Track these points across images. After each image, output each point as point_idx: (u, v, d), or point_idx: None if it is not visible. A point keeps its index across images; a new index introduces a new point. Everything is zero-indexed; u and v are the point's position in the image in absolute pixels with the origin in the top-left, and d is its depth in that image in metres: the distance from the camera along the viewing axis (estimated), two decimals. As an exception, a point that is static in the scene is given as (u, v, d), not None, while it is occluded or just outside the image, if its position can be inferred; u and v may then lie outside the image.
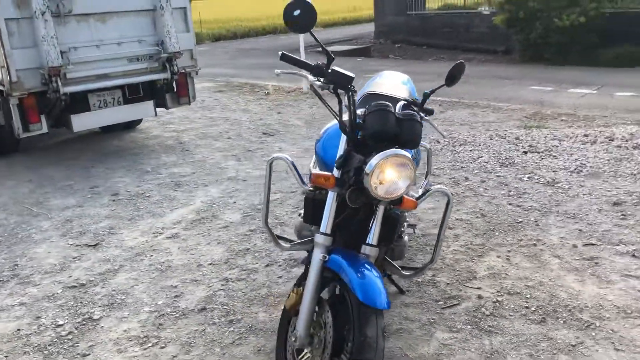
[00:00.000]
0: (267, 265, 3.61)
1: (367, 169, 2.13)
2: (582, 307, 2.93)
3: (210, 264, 3.68)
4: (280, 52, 2.43)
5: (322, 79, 2.35)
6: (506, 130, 6.43)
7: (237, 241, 3.99)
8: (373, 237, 2.32)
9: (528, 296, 3.06)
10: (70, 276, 3.62)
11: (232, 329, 2.97)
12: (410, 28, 15.64)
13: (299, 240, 2.85)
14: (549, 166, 5.10)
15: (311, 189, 2.57)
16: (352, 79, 2.34)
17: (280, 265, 3.60)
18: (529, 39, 12.41)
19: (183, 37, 6.23)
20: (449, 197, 2.54)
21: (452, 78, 2.60)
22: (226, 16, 21.96)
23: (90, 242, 4.11)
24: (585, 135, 6.01)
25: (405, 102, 2.56)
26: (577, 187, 4.55)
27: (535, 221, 3.96)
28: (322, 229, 2.28)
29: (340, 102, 2.36)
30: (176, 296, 3.32)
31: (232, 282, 3.44)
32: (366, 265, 2.20)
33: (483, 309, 2.99)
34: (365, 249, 2.30)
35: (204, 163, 5.86)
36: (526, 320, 2.86)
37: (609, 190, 4.42)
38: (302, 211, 2.89)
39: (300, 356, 2.29)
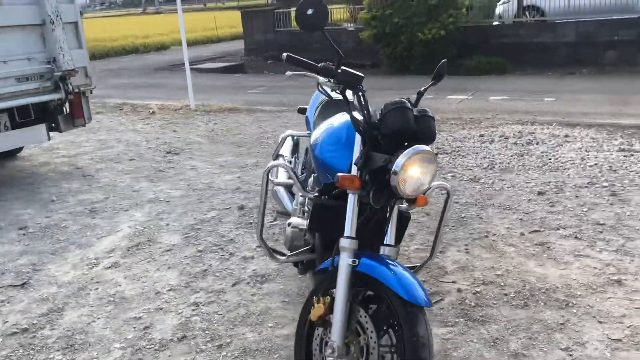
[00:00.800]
0: (233, 285, 3.43)
1: (395, 167, 2.10)
2: (554, 288, 3.14)
3: (170, 290, 3.42)
4: (284, 55, 2.36)
5: (331, 80, 2.30)
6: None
7: (189, 263, 3.74)
8: (390, 237, 2.30)
9: (502, 284, 3.22)
10: (6, 322, 3.16)
11: (224, 353, 2.78)
12: (280, 44, 15.82)
13: (295, 252, 2.75)
14: (464, 165, 5.42)
15: (316, 194, 2.49)
16: (362, 78, 2.31)
17: (248, 283, 3.44)
18: (395, 53, 13.13)
19: (76, 54, 5.75)
20: (449, 192, 2.59)
21: (439, 76, 2.66)
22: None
23: (15, 282, 3.62)
24: (481, 136, 6.47)
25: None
26: (498, 181, 4.89)
27: (478, 215, 4.19)
28: (347, 232, 2.20)
29: (348, 103, 2.32)
30: (145, 328, 3.03)
31: (203, 305, 3.21)
32: (398, 266, 2.17)
33: (467, 301, 3.09)
34: (384, 250, 2.27)
35: (114, 187, 5.43)
36: (511, 307, 3.00)
37: (527, 182, 4.81)
38: (292, 220, 2.80)
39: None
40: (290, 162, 3.58)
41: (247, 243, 3.98)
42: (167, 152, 6.60)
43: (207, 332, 2.96)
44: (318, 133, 2.61)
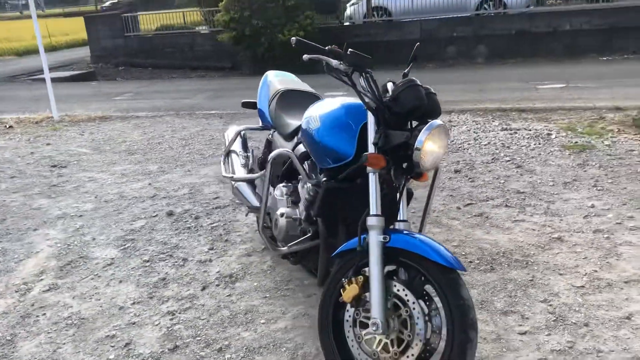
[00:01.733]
0: (203, 289, 3.27)
1: (418, 143, 2.19)
2: (510, 251, 3.43)
3: (134, 303, 3.17)
4: (293, 39, 2.35)
5: (341, 62, 2.33)
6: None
7: (141, 275, 3.49)
8: (403, 212, 2.39)
9: (463, 253, 3.45)
10: (-51, 367, 2.73)
11: (228, 356, 2.66)
12: (130, 50, 15.09)
13: (296, 241, 2.71)
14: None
15: (325, 179, 2.49)
16: (369, 60, 2.36)
17: (218, 285, 3.30)
18: (257, 54, 13.21)
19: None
20: (437, 166, 2.72)
21: (414, 57, 2.74)
22: None
23: (-63, 323, 3.12)
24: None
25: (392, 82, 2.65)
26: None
27: (411, 196, 4.41)
28: (373, 211, 2.24)
29: (354, 85, 2.36)
30: (126, 344, 2.80)
31: (180, 313, 3.04)
32: (425, 237, 2.26)
33: (439, 272, 3.26)
34: (400, 225, 2.35)
35: (7, 208, 4.85)
36: (480, 272, 3.23)
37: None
38: (284, 210, 2.76)
39: (376, 346, 2.22)
40: (247, 157, 3.51)
41: (196, 247, 3.81)
42: (53, 166, 6.02)
43: (198, 338, 2.81)
44: (312, 119, 2.59)
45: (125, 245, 3.93)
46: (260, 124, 3.58)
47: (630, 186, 4.20)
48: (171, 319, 2.98)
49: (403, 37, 13.38)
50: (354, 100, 2.59)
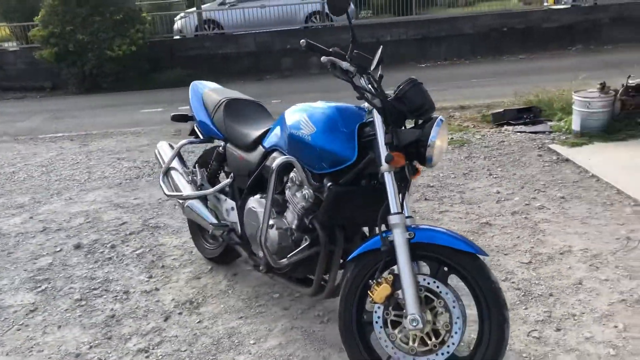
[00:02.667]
0: (166, 319, 3.00)
1: (432, 139, 2.28)
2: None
3: (92, 347, 2.80)
4: (303, 41, 2.31)
5: (347, 62, 2.34)
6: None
7: (82, 315, 3.09)
8: (407, 208, 2.44)
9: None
10: None
11: None
12: None
13: (296, 251, 2.60)
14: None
15: (330, 184, 2.44)
16: (371, 60, 2.39)
17: (181, 314, 3.05)
18: (84, 71, 12.29)
19: None
20: None
21: (381, 60, 2.79)
22: None
23: None
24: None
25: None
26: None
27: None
28: (394, 209, 2.27)
29: (357, 88, 2.38)
30: (109, 394, 2.46)
31: (154, 348, 2.75)
32: (442, 229, 2.36)
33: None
34: (407, 221, 2.39)
35: None
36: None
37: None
38: (272, 222, 2.66)
39: (413, 342, 2.25)
40: (194, 172, 3.29)
41: (132, 277, 3.46)
42: None
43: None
44: (303, 124, 2.52)
45: (40, 286, 3.43)
46: (200, 137, 3.38)
47: (518, 172, 4.73)
48: (147, 357, 2.69)
49: (239, 50, 13.43)
50: (336, 103, 2.60)
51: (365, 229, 2.77)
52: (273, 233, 2.66)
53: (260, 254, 2.84)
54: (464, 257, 2.23)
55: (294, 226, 2.63)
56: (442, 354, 2.22)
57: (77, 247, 3.94)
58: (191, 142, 3.39)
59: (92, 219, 4.44)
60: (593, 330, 2.64)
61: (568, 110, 5.98)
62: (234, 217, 3.07)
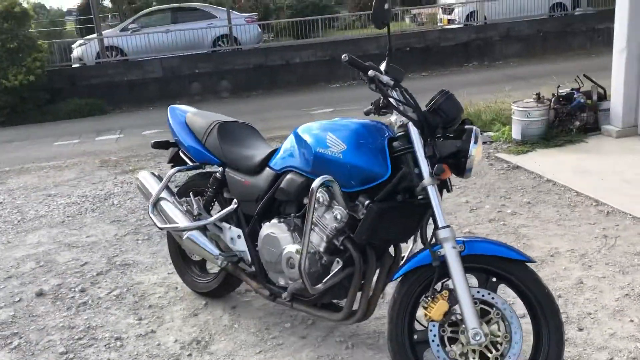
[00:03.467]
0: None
1: (472, 150, 2.28)
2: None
3: (102, 403, 2.50)
4: (345, 56, 2.25)
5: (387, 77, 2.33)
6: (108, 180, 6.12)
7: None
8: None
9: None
10: None
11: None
12: None
13: (331, 275, 2.47)
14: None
15: (369, 202, 2.34)
16: (404, 73, 2.38)
17: (190, 355, 2.81)
18: (-25, 104, 11.30)
19: None
20: None
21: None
22: None
23: None
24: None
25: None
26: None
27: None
28: (442, 223, 2.24)
29: (389, 105, 2.35)
30: None
31: (176, 397, 2.51)
32: (487, 239, 2.36)
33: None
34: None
35: None
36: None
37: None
38: (299, 247, 2.52)
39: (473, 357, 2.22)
40: (187, 202, 3.09)
41: (119, 322, 3.16)
42: None
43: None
44: (331, 142, 2.43)
45: (10, 342, 3.03)
46: (188, 163, 3.18)
47: (478, 181, 4.88)
48: (171, 407, 2.44)
49: (145, 76, 12.94)
50: (358, 119, 2.56)
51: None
52: (304, 263, 2.52)
53: (282, 282, 2.71)
54: (513, 265, 2.25)
55: (321, 249, 2.51)
56: (509, 363, 2.19)
57: (40, 294, 3.54)
58: (180, 170, 3.18)
59: (46, 262, 4.02)
60: (613, 327, 2.74)
61: (501, 120, 6.31)
62: (241, 245, 2.89)
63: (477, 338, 2.16)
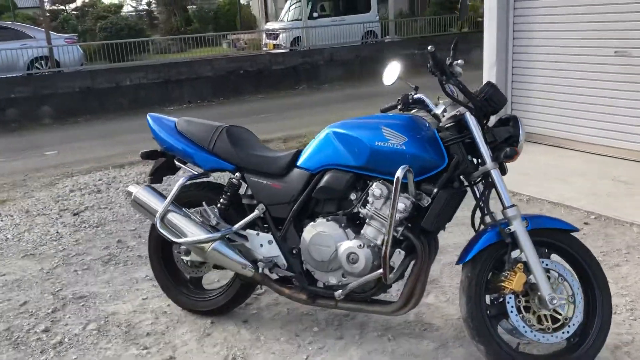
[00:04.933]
0: (224, 383, 2.54)
1: (522, 136, 2.52)
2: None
3: None
4: (431, 47, 2.37)
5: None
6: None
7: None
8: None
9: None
10: None
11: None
12: None
13: (400, 264, 2.50)
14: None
15: (437, 190, 2.45)
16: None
17: (234, 372, 2.61)
18: None
19: None
20: None
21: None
22: None
23: None
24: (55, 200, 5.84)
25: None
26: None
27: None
28: (508, 202, 2.43)
29: (456, 101, 2.50)
30: None
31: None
32: (539, 214, 2.58)
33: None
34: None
35: None
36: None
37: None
38: (359, 242, 2.54)
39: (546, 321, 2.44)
40: (203, 212, 2.89)
41: (122, 355, 2.80)
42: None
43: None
44: (390, 136, 2.48)
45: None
46: (193, 172, 2.97)
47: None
48: None
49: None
50: (393, 113, 2.68)
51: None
52: (365, 252, 2.53)
53: (332, 280, 2.67)
54: (565, 236, 2.52)
55: (378, 242, 2.55)
56: (573, 324, 2.44)
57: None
58: (191, 179, 2.94)
59: (28, 301, 3.38)
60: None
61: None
62: (272, 250, 2.78)
63: (554, 302, 2.38)
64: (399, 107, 2.75)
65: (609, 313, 2.50)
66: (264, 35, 17.10)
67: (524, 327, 2.43)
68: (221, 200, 2.91)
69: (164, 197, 2.97)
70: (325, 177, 2.65)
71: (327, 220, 2.64)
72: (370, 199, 2.55)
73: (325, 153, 2.67)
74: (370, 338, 2.83)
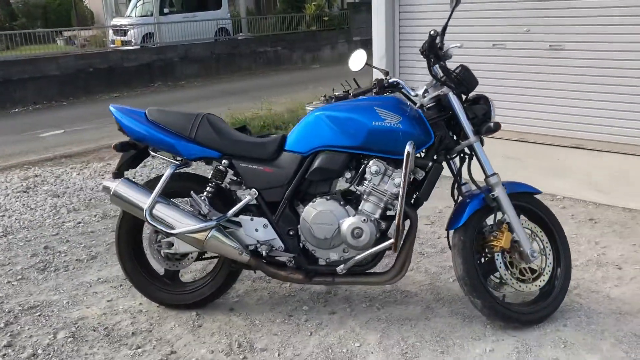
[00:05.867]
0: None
1: (494, 112, 2.82)
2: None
3: None
4: (433, 31, 2.55)
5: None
6: None
7: (131, 412, 2.28)
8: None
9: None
10: None
11: None
12: None
13: (400, 236, 2.66)
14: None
15: (432, 162, 2.69)
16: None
17: (244, 358, 2.61)
18: None
19: None
20: None
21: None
22: None
23: None
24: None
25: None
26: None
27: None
28: (490, 171, 2.73)
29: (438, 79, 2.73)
30: None
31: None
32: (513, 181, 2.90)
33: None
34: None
35: None
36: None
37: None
38: (362, 217, 2.69)
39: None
40: (193, 202, 2.83)
41: (115, 357, 2.64)
42: None
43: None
44: (385, 116, 2.63)
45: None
46: (177, 159, 2.88)
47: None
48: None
49: None
50: (374, 96, 2.87)
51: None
52: (369, 226, 2.68)
53: (334, 257, 2.78)
54: (532, 198, 2.88)
55: (377, 216, 2.71)
56: (547, 273, 2.82)
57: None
58: (179, 168, 2.85)
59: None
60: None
61: (277, 125, 6.95)
62: (268, 234, 2.80)
63: (535, 255, 2.74)
64: (373, 90, 2.94)
65: (570, 263, 2.91)
66: (111, 32, 16.17)
67: (511, 279, 2.75)
68: (207, 189, 2.86)
69: (145, 188, 2.84)
70: (319, 159, 2.75)
71: (327, 199, 2.74)
72: (368, 176, 2.70)
73: (317, 136, 2.76)
74: (361, 309, 2.98)
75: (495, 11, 5.97)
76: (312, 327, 2.84)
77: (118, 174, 2.96)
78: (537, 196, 2.91)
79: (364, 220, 2.68)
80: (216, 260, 3.01)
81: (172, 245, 2.87)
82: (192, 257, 2.96)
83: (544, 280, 2.81)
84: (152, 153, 2.91)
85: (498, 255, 2.75)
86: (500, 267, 2.75)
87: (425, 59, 2.75)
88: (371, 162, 2.70)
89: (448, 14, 2.73)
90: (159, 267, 3.08)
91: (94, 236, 4.08)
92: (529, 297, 2.89)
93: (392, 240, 2.65)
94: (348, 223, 2.69)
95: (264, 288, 3.22)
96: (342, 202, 2.75)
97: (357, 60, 2.95)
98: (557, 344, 2.62)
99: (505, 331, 2.73)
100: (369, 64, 2.99)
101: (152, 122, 2.87)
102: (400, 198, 2.59)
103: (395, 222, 2.60)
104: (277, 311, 2.99)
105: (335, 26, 18.59)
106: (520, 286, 2.76)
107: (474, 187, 2.85)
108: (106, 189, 2.87)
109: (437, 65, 2.74)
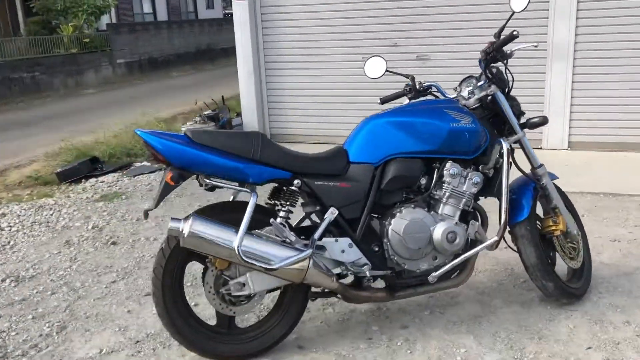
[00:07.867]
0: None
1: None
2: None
3: None
4: (515, 32, 2.60)
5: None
6: None
7: None
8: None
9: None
10: None
11: None
12: None
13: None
14: None
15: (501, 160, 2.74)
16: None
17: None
18: None
19: None
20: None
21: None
22: None
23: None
24: None
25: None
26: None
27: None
28: (537, 163, 2.88)
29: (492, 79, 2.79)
30: None
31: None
32: None
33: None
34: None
35: None
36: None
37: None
38: (449, 223, 2.64)
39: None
40: (275, 231, 2.43)
41: None
42: None
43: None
44: (459, 117, 2.60)
45: None
46: (240, 188, 2.43)
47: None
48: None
49: None
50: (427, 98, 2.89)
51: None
52: (461, 230, 2.62)
53: (424, 266, 2.66)
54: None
55: (457, 217, 2.68)
56: (581, 249, 3.07)
57: None
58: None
59: None
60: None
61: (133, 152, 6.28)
62: (354, 254, 2.54)
63: (577, 233, 3.00)
64: (408, 95, 2.91)
65: (587, 239, 3.22)
66: None
67: (565, 258, 2.96)
68: (281, 214, 2.49)
69: (220, 223, 2.35)
70: (394, 167, 2.60)
71: (413, 208, 2.61)
72: (447, 179, 2.64)
73: (387, 143, 2.61)
74: (427, 318, 2.90)
75: (364, 25, 6.33)
76: (401, 344, 2.67)
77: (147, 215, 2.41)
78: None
79: (457, 223, 2.63)
80: (278, 294, 2.64)
81: (244, 285, 2.43)
82: (261, 296, 2.54)
83: (582, 257, 3.09)
84: (207, 181, 2.41)
85: (556, 238, 2.94)
86: (558, 249, 2.95)
87: (483, 59, 2.75)
88: (448, 164, 2.64)
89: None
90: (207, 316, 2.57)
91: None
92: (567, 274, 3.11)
93: (495, 238, 2.64)
94: (442, 228, 2.59)
95: (313, 318, 2.92)
96: (426, 209, 2.65)
97: (375, 67, 2.90)
98: (614, 310, 2.91)
99: (563, 308, 2.93)
100: (390, 71, 2.96)
101: (202, 144, 2.39)
102: (504, 195, 2.61)
103: (503, 219, 2.61)
104: (351, 338, 2.73)
105: (97, 48, 17.25)
106: (571, 263, 3.00)
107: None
108: (175, 231, 2.29)
109: (493, 66, 2.78)
